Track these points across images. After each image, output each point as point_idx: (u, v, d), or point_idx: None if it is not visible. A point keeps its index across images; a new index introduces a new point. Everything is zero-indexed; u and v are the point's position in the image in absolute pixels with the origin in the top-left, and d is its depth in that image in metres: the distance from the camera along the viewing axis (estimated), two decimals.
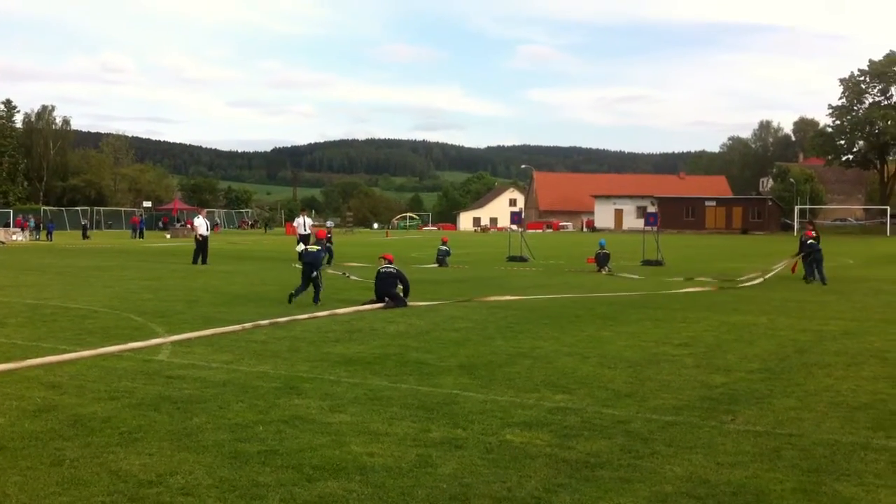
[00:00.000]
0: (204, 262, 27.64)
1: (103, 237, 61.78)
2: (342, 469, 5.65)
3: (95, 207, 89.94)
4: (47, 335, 11.48)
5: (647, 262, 29.69)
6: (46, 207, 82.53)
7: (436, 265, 28.20)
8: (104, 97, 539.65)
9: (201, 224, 29.21)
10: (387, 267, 15.82)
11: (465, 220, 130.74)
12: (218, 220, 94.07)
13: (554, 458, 5.97)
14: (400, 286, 15.63)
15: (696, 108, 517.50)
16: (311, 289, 15.88)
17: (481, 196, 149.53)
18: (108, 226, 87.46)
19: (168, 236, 65.05)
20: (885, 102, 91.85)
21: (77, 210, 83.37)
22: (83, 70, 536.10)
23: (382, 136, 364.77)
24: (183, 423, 6.75)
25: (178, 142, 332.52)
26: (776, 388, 8.40)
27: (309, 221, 28.72)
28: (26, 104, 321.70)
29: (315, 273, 15.90)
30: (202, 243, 28.31)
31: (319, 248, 16.84)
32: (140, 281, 20.70)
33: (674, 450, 6.20)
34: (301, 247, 28.34)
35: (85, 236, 58.98)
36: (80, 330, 11.99)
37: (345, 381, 8.51)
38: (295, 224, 29.91)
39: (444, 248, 29.12)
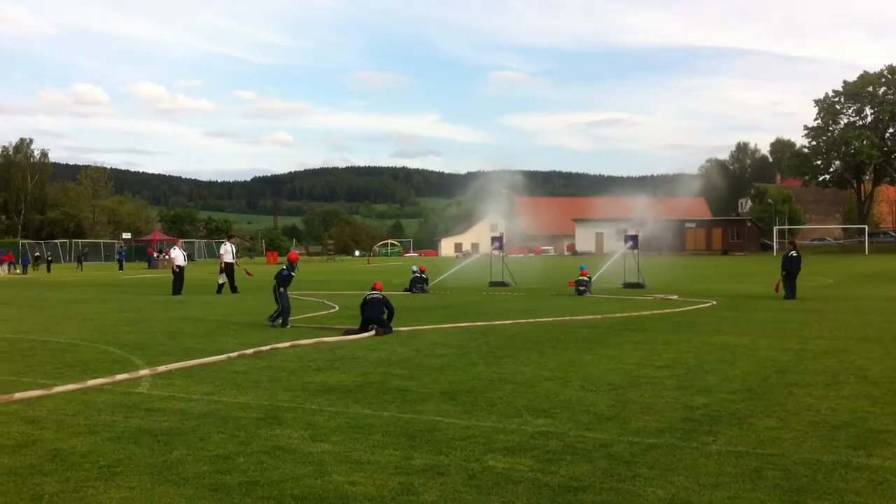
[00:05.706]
0: (178, 292, 27.47)
1: (76, 269, 61.29)
2: (324, 499, 5.61)
3: (74, 240, 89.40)
4: (26, 369, 11.37)
5: (628, 285, 29.83)
6: (25, 241, 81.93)
7: (408, 292, 28.08)
8: (80, 130, 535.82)
9: (178, 255, 29.10)
10: (373, 293, 15.99)
11: (447, 246, 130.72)
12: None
13: (536, 482, 5.96)
14: (385, 312, 15.77)
15: (673, 131, 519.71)
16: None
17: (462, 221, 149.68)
18: (94, 257, 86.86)
19: (147, 266, 64.61)
20: (860, 123, 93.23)
21: (56, 243, 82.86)
22: (56, 103, 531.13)
23: (362, 164, 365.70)
24: (163, 456, 6.70)
25: (156, 172, 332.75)
26: (757, 409, 8.43)
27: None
28: (2, 138, 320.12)
29: (282, 290, 17.02)
30: (180, 274, 28.20)
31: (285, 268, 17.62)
32: (119, 313, 20.57)
33: (656, 472, 6.20)
34: (223, 278, 28.00)
35: (25, 272, 56.37)
36: (60, 363, 11.88)
37: (326, 409, 8.47)
38: (221, 252, 28.43)
39: (422, 276, 29.03)
